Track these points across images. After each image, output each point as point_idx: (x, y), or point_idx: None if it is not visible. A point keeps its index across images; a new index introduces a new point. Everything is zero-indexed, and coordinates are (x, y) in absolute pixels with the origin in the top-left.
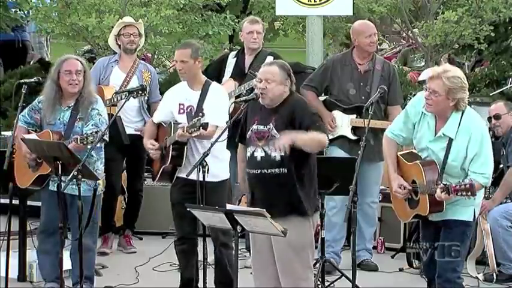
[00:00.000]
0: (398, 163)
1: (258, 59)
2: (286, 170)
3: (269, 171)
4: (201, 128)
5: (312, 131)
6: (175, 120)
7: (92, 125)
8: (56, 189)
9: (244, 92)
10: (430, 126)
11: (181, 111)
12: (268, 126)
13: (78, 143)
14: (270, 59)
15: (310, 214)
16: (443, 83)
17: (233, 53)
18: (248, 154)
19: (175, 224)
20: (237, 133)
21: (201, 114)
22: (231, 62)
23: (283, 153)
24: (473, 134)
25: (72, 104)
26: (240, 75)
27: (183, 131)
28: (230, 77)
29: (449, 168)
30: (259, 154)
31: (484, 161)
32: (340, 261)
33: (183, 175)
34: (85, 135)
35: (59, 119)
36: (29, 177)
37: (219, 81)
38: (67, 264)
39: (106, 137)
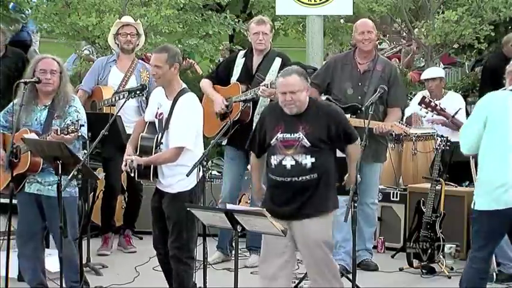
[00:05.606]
0: None
1: (266, 60)
2: (316, 175)
3: (300, 178)
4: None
5: (352, 144)
6: (143, 134)
7: (70, 120)
8: (32, 192)
9: (249, 97)
10: None
11: (156, 115)
12: (297, 135)
13: (59, 133)
14: (278, 61)
15: (332, 212)
16: None
17: (242, 53)
18: (274, 162)
19: None
20: (251, 141)
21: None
22: (240, 62)
23: (313, 160)
24: None
25: (49, 103)
26: (247, 76)
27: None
28: (237, 80)
29: None
30: (288, 163)
31: None
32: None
33: (159, 186)
34: (65, 126)
35: (36, 119)
36: (3, 180)
37: (229, 81)
38: (55, 266)
39: (85, 135)
